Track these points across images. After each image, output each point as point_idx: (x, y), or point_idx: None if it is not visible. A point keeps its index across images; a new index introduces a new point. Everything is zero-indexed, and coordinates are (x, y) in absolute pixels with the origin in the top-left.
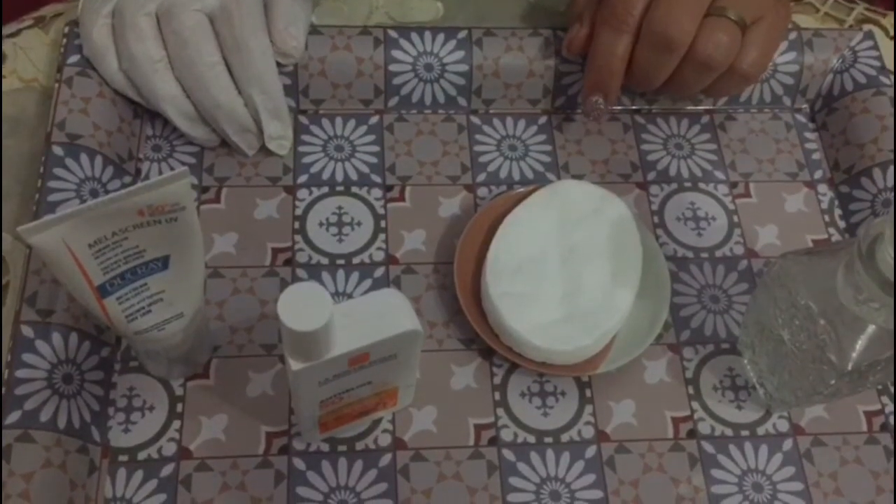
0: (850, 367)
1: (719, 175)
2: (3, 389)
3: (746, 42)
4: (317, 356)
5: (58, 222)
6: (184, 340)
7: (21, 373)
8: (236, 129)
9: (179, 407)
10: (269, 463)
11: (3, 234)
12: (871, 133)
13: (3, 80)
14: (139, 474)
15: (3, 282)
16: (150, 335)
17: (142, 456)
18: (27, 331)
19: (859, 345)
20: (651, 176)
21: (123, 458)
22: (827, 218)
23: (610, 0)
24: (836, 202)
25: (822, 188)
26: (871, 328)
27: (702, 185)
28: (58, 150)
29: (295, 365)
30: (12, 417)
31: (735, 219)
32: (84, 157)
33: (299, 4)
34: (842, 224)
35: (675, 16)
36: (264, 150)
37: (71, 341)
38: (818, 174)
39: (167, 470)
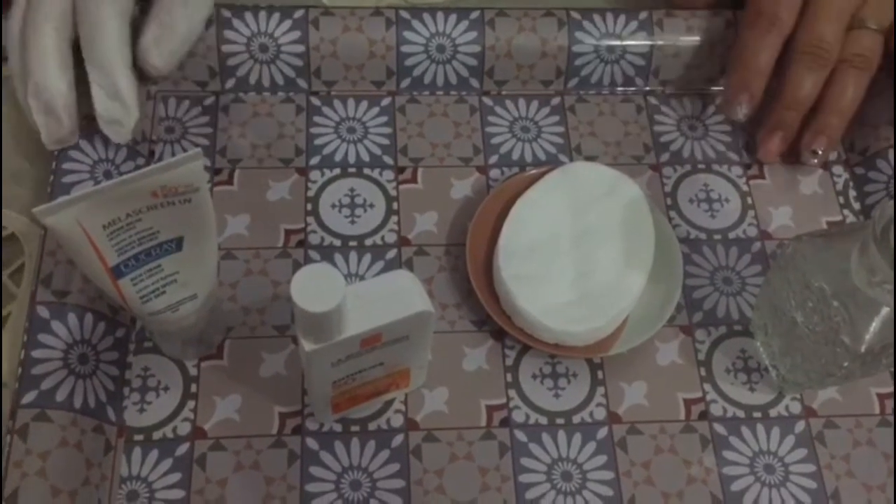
0: (863, 350)
1: (733, 156)
2: (20, 369)
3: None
4: (329, 337)
5: (73, 203)
6: (197, 321)
7: (37, 353)
8: (40, 107)
9: (194, 387)
10: (282, 443)
11: (19, 217)
12: (886, 114)
13: None
14: (154, 453)
15: (18, 263)
16: (165, 316)
17: (157, 435)
18: (43, 311)
19: (873, 327)
20: (664, 157)
21: (139, 437)
22: (842, 199)
23: (755, 4)
24: (851, 184)
25: (838, 170)
26: (884, 310)
27: (715, 167)
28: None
29: (308, 346)
30: (29, 397)
31: (749, 200)
32: (97, 139)
33: (183, 21)
34: (857, 206)
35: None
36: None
37: (86, 322)
38: (833, 155)
39: (182, 449)
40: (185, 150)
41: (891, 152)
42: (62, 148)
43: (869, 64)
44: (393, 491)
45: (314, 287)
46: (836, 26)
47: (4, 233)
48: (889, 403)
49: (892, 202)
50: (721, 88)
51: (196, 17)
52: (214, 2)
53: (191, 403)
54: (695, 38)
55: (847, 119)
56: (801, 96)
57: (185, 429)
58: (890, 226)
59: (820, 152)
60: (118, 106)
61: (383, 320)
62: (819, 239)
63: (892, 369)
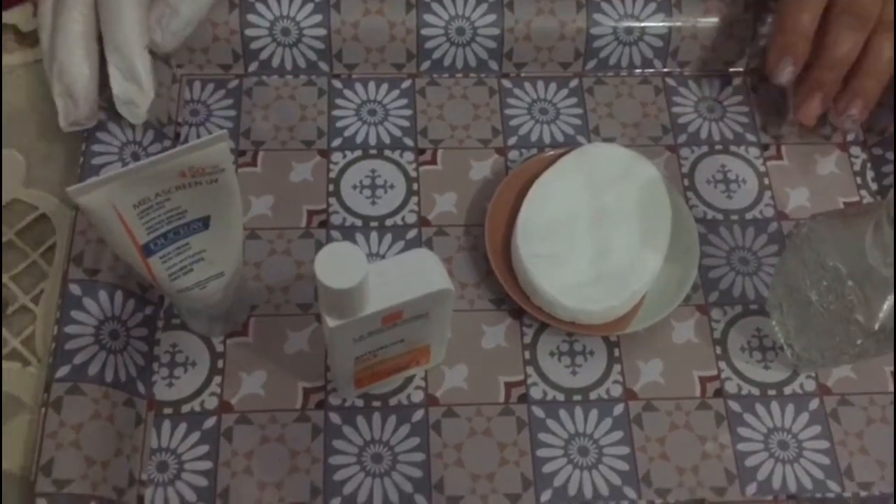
0: (877, 328)
1: (751, 137)
2: (54, 345)
3: None
4: (352, 313)
5: (105, 183)
6: (224, 298)
7: (70, 329)
8: (61, 89)
9: (220, 363)
10: (306, 417)
11: (50, 197)
12: None
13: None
14: (183, 426)
15: (49, 242)
16: (192, 293)
17: (185, 409)
18: (75, 289)
19: (886, 305)
20: (682, 139)
21: (168, 410)
22: (859, 180)
23: None
24: (869, 164)
25: (855, 150)
26: None
27: (733, 148)
28: (101, 115)
29: (331, 322)
30: (62, 371)
31: (766, 181)
32: (125, 122)
33: (187, 3)
34: (874, 186)
35: None
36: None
37: (116, 299)
38: (851, 136)
39: (209, 422)
40: (209, 133)
41: None
42: (78, 129)
43: None
44: (413, 464)
45: (337, 264)
46: None
47: (36, 213)
48: None
49: None
50: (738, 70)
51: (202, 1)
52: None
53: (217, 379)
54: (713, 20)
55: (884, 83)
56: (841, 56)
57: (212, 403)
58: None
59: (856, 116)
60: (134, 87)
61: (404, 297)
62: (834, 219)
63: None
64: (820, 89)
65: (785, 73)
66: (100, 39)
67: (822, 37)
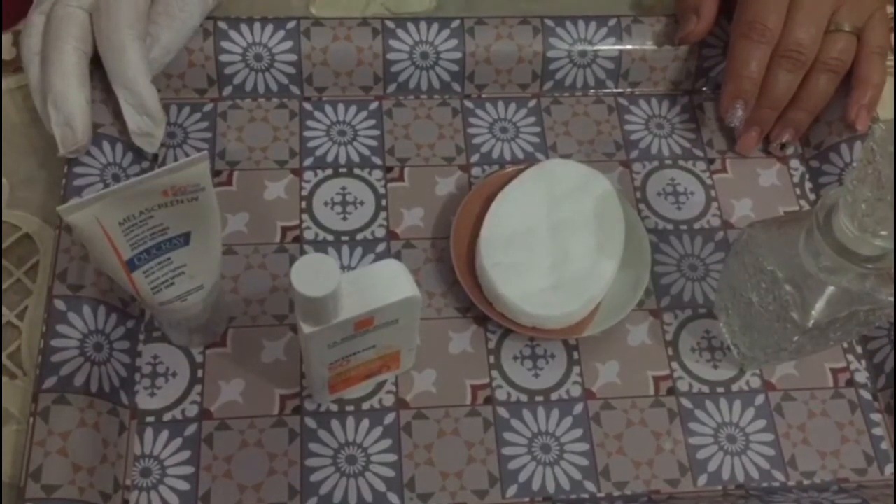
0: (810, 325)
1: (698, 152)
2: (40, 357)
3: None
4: (326, 320)
5: (92, 202)
6: (203, 311)
7: (56, 342)
8: (59, 119)
9: (200, 373)
10: (283, 422)
11: (32, 217)
12: (839, 111)
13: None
14: (165, 434)
15: (33, 261)
16: (173, 306)
17: (167, 417)
18: (60, 304)
19: (819, 304)
20: (634, 154)
21: (150, 419)
22: (798, 191)
23: (746, 14)
24: (807, 176)
25: (794, 163)
26: (829, 289)
27: (681, 162)
28: None
29: (307, 328)
30: (49, 382)
31: (712, 193)
32: (106, 145)
33: (167, 33)
34: (812, 196)
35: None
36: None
37: (99, 313)
38: (790, 150)
39: (190, 429)
40: (186, 155)
41: (843, 146)
42: (75, 155)
43: (842, 66)
44: (386, 464)
45: (312, 274)
46: (815, 30)
47: (19, 233)
48: (842, 377)
49: (832, 192)
50: (686, 89)
51: (182, 31)
52: (205, 17)
53: (198, 388)
54: (660, 43)
55: (814, 115)
56: (777, 96)
57: (192, 411)
58: (831, 213)
59: (786, 143)
60: (147, 120)
61: (375, 304)
62: (770, 226)
63: (845, 345)
64: (758, 124)
65: (736, 117)
66: (92, 67)
67: (764, 77)
